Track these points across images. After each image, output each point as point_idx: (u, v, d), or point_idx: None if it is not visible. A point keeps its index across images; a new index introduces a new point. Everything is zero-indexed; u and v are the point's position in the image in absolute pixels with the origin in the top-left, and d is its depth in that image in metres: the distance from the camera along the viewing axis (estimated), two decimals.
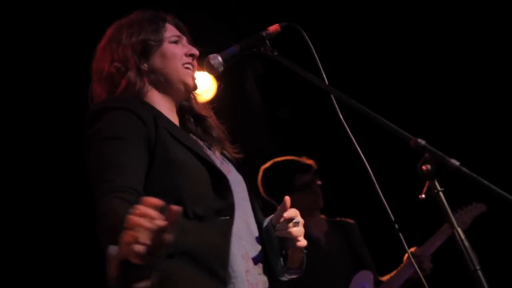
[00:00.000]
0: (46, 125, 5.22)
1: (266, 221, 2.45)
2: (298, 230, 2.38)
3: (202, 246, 2.16)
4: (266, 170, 4.64)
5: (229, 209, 2.27)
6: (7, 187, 5.21)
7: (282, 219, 2.38)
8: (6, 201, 5.20)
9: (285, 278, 2.43)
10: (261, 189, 4.60)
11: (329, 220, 4.70)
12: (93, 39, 2.53)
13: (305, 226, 4.52)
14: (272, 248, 2.40)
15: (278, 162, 4.65)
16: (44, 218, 5.33)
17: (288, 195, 4.58)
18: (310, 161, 4.62)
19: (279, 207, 2.41)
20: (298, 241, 2.38)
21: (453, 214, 5.15)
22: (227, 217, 2.25)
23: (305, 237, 2.42)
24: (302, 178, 4.57)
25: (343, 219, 4.72)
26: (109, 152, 2.19)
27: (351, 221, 4.72)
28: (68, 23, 4.91)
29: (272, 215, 2.44)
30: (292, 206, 4.64)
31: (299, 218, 2.39)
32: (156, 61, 2.46)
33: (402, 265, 4.62)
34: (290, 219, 2.37)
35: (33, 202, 5.31)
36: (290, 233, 2.36)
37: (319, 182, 4.61)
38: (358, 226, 4.72)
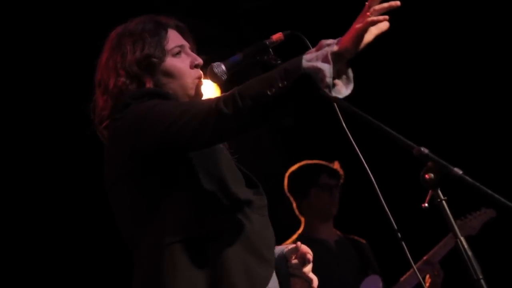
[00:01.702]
0: (46, 126, 5.22)
1: (277, 250, 2.47)
2: (308, 269, 2.45)
3: (250, 227, 2.28)
4: (296, 168, 4.80)
5: (263, 208, 2.37)
6: (7, 187, 5.22)
7: (294, 260, 2.43)
8: (7, 202, 5.21)
9: None
10: (286, 185, 4.77)
11: (342, 235, 4.79)
12: (97, 43, 2.51)
13: (315, 230, 4.58)
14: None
15: (309, 163, 4.80)
16: (44, 218, 5.33)
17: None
18: (340, 170, 4.75)
19: (289, 247, 2.45)
20: (309, 278, 2.44)
21: (462, 220, 5.11)
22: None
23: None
24: (327, 179, 4.70)
25: (356, 237, 4.82)
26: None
27: (363, 240, 4.83)
28: (72, 26, 4.91)
29: (283, 249, 2.46)
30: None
31: (310, 257, 2.43)
32: (162, 78, 2.43)
33: (409, 272, 4.63)
34: (303, 260, 2.41)
35: (33, 203, 5.32)
36: (304, 273, 2.43)
37: (338, 192, 4.73)
38: (369, 246, 4.82)
